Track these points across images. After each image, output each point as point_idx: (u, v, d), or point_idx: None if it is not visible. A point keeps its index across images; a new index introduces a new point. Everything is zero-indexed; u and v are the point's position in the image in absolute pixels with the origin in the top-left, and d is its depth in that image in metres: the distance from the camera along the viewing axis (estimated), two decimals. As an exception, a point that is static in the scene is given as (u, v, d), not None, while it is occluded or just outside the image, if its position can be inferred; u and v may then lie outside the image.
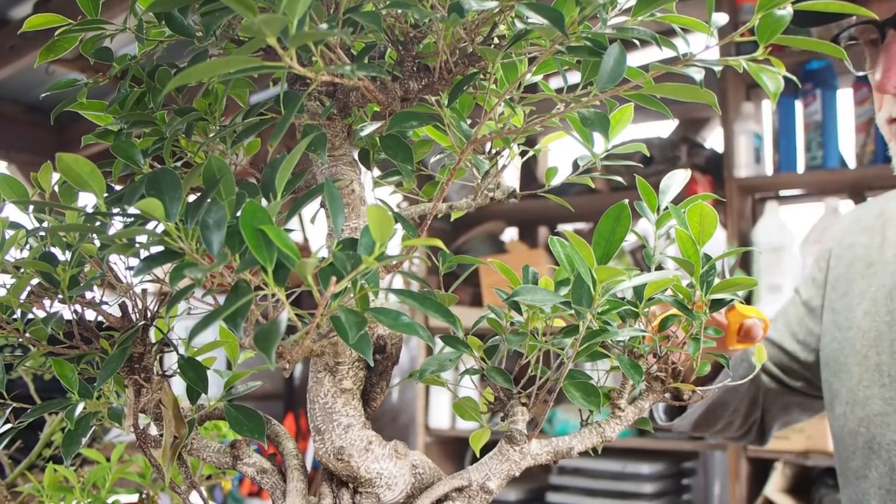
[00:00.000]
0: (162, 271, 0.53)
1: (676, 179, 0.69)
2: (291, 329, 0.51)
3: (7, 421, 0.67)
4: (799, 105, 2.68)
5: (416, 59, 0.62)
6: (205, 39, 0.62)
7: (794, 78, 0.58)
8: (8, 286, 0.62)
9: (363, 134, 0.68)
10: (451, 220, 0.83)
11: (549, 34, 0.53)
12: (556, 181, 0.77)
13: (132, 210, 0.53)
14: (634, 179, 0.70)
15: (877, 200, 1.28)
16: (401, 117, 0.60)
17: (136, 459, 1.00)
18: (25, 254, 0.64)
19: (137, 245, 0.51)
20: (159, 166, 0.60)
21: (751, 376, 0.78)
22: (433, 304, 0.53)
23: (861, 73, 1.07)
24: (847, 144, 2.64)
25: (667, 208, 0.68)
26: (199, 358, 0.67)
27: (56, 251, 0.63)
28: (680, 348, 0.69)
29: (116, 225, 0.56)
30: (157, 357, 0.68)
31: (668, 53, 0.57)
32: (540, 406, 0.68)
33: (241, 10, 0.43)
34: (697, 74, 0.55)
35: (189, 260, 0.50)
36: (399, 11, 0.60)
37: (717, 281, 0.66)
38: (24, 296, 0.63)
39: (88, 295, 0.66)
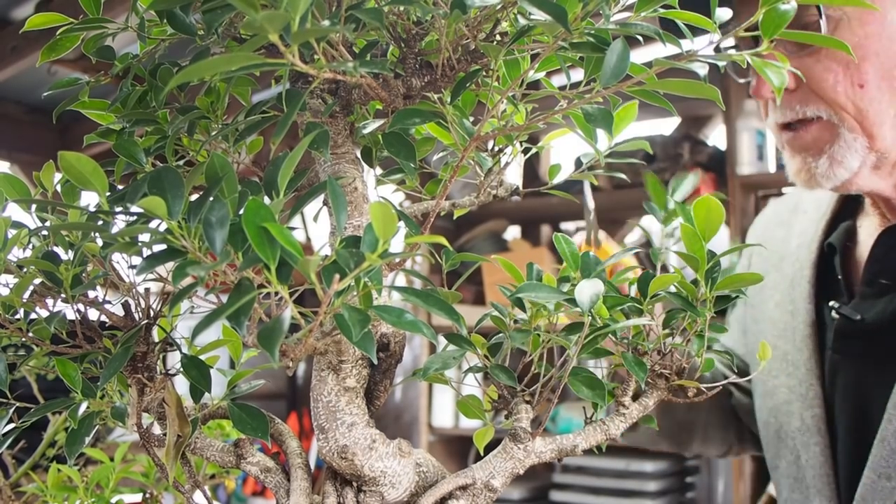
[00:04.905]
0: (165, 270, 0.53)
1: (687, 183, 0.70)
2: (295, 327, 0.51)
3: (10, 421, 0.67)
4: (802, 101, 2.67)
5: (419, 56, 0.62)
6: (207, 37, 0.62)
7: (799, 72, 0.58)
8: (11, 285, 0.62)
9: (366, 132, 0.68)
10: (454, 218, 0.83)
11: (551, 30, 0.53)
12: (559, 178, 0.76)
13: (135, 209, 0.53)
14: (637, 177, 0.69)
15: (793, 194, 1.26)
16: (403, 115, 0.60)
17: (139, 459, 1.00)
18: (28, 253, 0.64)
19: (140, 244, 0.51)
20: (162, 165, 0.60)
21: (758, 372, 0.78)
22: (437, 301, 0.53)
23: (743, 80, 1.06)
24: (850, 141, 2.63)
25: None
26: (202, 357, 0.67)
27: (59, 250, 0.63)
28: (684, 344, 0.69)
29: (119, 224, 0.56)
30: (161, 356, 0.68)
31: (671, 50, 0.57)
32: (543, 404, 0.68)
33: (243, 7, 0.43)
34: (701, 70, 0.55)
35: (192, 258, 0.50)
36: (401, 8, 0.60)
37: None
38: (26, 295, 0.63)
39: (91, 294, 0.66)
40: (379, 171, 0.75)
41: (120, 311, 0.67)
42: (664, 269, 0.68)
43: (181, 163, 0.69)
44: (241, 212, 0.48)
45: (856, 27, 0.92)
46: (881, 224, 1.04)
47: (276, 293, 0.49)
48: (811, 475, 1.04)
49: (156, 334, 0.67)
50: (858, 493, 0.97)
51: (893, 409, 0.92)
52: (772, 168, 2.75)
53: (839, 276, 1.06)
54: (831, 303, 1.05)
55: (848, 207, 1.10)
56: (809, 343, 1.05)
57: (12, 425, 0.67)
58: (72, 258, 0.62)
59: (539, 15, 0.50)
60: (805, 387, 1.05)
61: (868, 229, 1.06)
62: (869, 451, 0.96)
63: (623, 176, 0.77)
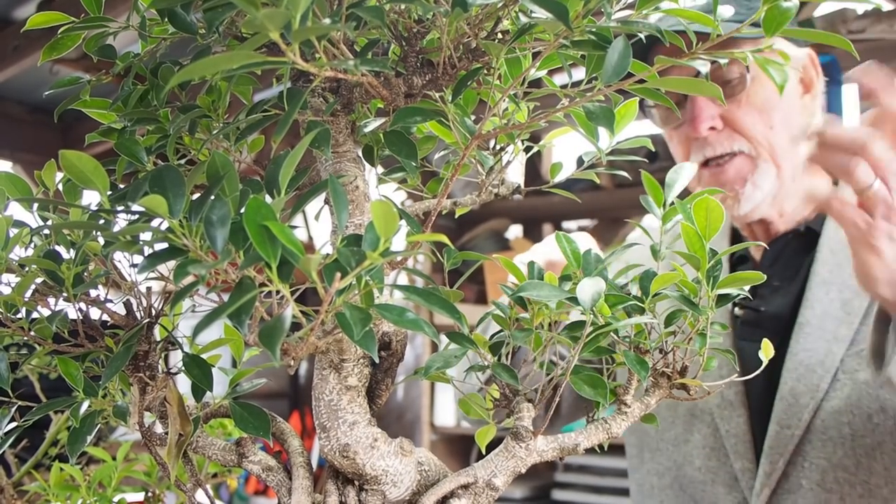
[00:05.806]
0: (166, 268, 0.53)
1: (683, 174, 0.69)
2: (296, 326, 0.51)
3: (13, 419, 0.67)
4: (804, 100, 2.67)
5: (420, 55, 0.62)
6: (208, 36, 0.62)
7: (800, 71, 0.58)
8: (13, 284, 0.62)
9: (367, 130, 0.68)
10: (456, 217, 0.83)
11: (553, 28, 0.53)
12: (561, 177, 0.76)
13: (136, 207, 0.53)
14: (639, 175, 0.69)
15: None
16: (405, 113, 0.60)
17: (141, 458, 1.00)
18: (30, 252, 0.64)
19: (141, 242, 0.51)
20: (163, 163, 0.60)
21: (758, 372, 0.78)
22: (438, 300, 0.53)
23: (661, 129, 1.30)
24: (852, 139, 2.63)
25: (672, 203, 0.67)
26: (203, 355, 0.67)
27: (60, 249, 0.63)
28: (686, 344, 0.68)
29: (120, 222, 0.56)
30: (162, 355, 0.68)
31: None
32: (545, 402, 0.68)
33: (244, 6, 0.42)
34: (703, 67, 0.55)
35: (193, 257, 0.50)
36: (402, 7, 0.60)
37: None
38: (28, 294, 0.63)
39: (93, 293, 0.66)
40: (380, 169, 0.75)
41: (121, 310, 0.67)
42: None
43: (182, 161, 0.69)
44: (243, 210, 0.48)
45: (766, 83, 1.22)
46: (756, 250, 1.35)
47: (278, 292, 0.49)
48: (733, 442, 1.26)
49: (157, 333, 0.67)
50: (766, 444, 1.22)
51: (786, 374, 1.20)
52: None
53: None
54: (737, 298, 1.25)
55: (734, 239, 1.39)
56: (729, 332, 1.29)
57: (14, 424, 0.67)
58: (73, 257, 0.62)
59: (540, 13, 0.50)
60: (727, 369, 1.25)
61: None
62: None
63: (625, 174, 0.77)
